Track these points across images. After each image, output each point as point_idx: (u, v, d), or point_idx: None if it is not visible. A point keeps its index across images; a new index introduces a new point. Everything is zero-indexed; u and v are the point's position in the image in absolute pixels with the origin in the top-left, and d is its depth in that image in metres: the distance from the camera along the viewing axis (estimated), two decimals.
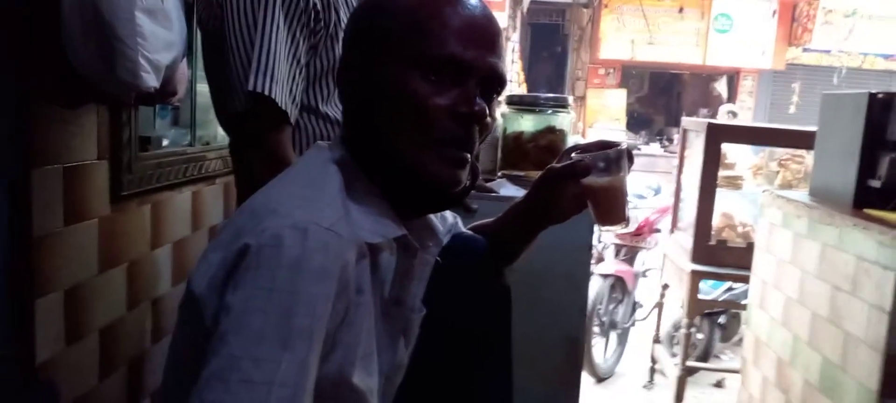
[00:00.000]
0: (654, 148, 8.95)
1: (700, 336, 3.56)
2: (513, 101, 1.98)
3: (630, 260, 3.84)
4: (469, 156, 0.80)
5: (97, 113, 1.38)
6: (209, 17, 1.29)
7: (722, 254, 2.88)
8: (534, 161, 1.87)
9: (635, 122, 9.97)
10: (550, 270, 1.67)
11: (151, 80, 1.22)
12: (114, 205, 1.46)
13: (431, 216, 0.90)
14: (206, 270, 0.72)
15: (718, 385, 3.57)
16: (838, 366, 1.78)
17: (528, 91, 7.50)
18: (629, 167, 0.93)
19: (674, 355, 3.39)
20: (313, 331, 0.66)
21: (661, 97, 10.58)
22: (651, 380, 3.55)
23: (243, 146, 1.31)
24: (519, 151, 1.91)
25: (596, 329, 3.56)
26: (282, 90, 1.21)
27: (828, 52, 9.06)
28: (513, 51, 7.17)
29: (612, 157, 0.91)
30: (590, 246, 1.78)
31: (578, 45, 9.71)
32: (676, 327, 3.41)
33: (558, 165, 0.95)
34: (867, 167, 1.90)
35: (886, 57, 9.16)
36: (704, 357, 3.57)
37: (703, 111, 9.25)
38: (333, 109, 1.34)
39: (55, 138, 1.26)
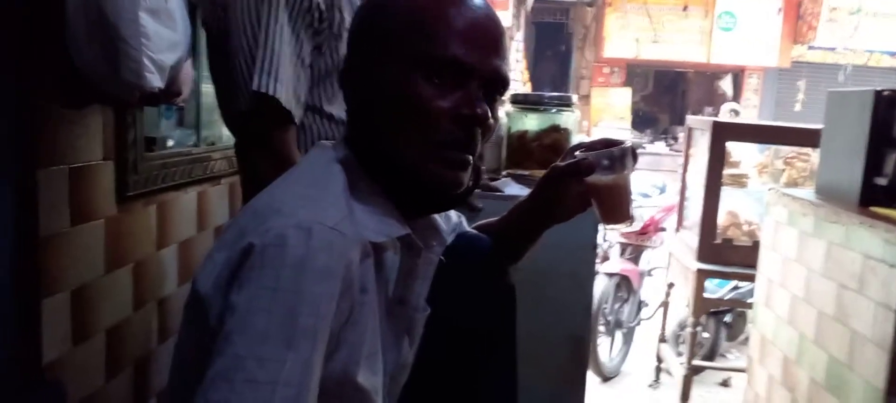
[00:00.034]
0: (660, 146, 8.90)
1: (706, 334, 3.55)
2: (517, 100, 1.98)
3: (635, 258, 3.82)
4: (471, 158, 0.80)
5: (103, 114, 1.39)
6: (213, 18, 1.29)
7: (727, 253, 2.86)
8: (538, 160, 1.87)
9: (640, 121, 9.93)
10: (555, 269, 1.67)
11: (155, 81, 1.23)
12: (120, 206, 1.47)
13: (435, 215, 0.90)
14: (210, 270, 0.72)
15: (724, 383, 3.55)
16: (845, 365, 1.77)
17: (533, 90, 7.48)
18: (633, 165, 0.92)
19: (679, 354, 3.37)
20: (317, 331, 0.66)
21: (666, 95, 10.54)
22: (657, 379, 3.54)
23: (248, 146, 1.32)
24: (523, 150, 1.91)
25: (601, 328, 3.55)
26: (286, 90, 1.21)
27: (833, 49, 9.00)
28: (517, 50, 7.16)
29: (616, 155, 0.91)
30: (595, 245, 1.78)
31: (583, 44, 9.68)
32: (682, 326, 3.39)
33: (562, 164, 0.94)
34: (873, 165, 1.89)
35: (892, 54, 9.09)
36: (710, 355, 3.56)
37: (708, 109, 9.20)
38: (339, 109, 1.34)
39: (61, 139, 1.27)
